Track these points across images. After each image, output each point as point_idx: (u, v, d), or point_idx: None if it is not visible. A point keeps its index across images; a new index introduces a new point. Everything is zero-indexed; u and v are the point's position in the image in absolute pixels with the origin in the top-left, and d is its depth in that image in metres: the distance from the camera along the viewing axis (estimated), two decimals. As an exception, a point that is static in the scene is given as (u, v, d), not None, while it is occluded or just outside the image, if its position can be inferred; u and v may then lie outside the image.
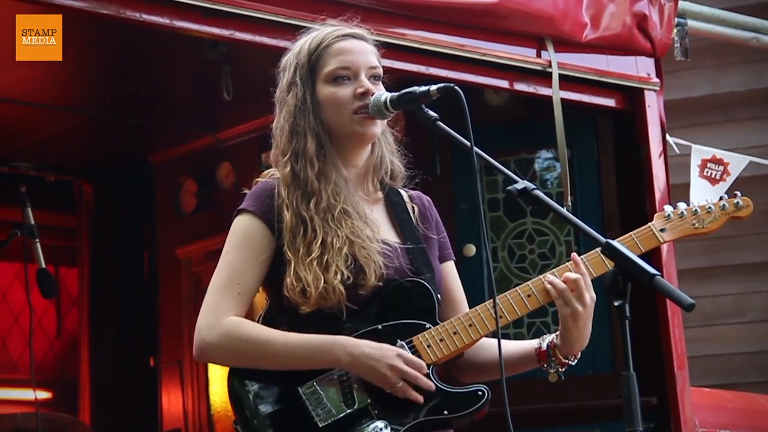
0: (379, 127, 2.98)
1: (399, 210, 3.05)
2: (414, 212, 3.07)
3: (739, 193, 3.18)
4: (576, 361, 2.96)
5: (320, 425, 2.79)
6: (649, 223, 3.06)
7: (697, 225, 3.09)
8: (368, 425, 2.80)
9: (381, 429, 2.80)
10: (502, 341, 2.90)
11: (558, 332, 2.93)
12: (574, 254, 2.94)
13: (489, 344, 3.00)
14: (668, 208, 3.09)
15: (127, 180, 7.23)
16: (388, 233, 3.00)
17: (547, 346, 2.96)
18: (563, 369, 2.97)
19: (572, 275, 2.89)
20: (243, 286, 2.88)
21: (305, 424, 2.80)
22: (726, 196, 3.17)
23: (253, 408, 2.82)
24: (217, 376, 6.63)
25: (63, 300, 7.53)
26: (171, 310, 6.96)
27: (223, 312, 2.85)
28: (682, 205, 3.11)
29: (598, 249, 2.85)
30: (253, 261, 2.89)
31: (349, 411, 2.81)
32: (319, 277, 2.82)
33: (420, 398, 2.81)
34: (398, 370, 2.79)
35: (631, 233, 3.03)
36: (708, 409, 5.50)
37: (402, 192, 3.09)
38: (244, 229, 2.92)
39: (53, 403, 7.26)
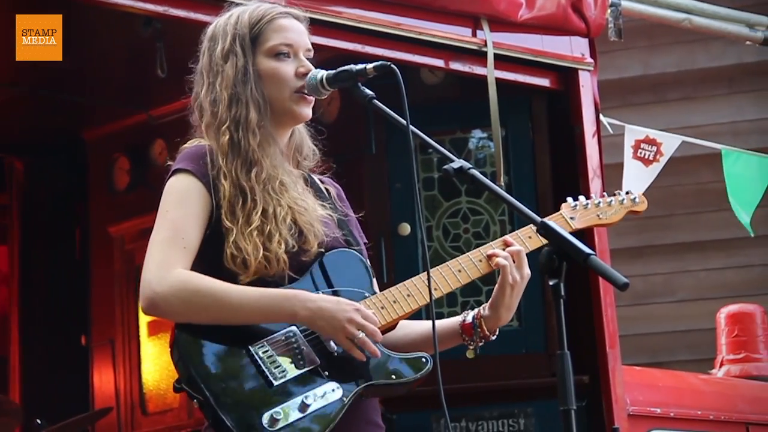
0: (311, 108, 3.00)
1: (317, 189, 3.07)
2: (330, 194, 3.10)
3: (633, 190, 3.31)
4: (495, 336, 3.01)
5: (274, 384, 2.76)
6: (560, 211, 3.16)
7: (600, 216, 3.22)
8: (319, 386, 2.79)
9: (332, 391, 2.79)
10: (424, 322, 2.99)
11: (485, 305, 3.00)
12: (506, 237, 3.02)
13: (409, 325, 3.03)
14: (571, 200, 3.21)
15: (59, 157, 7.15)
16: (317, 206, 3.00)
17: (473, 318, 3.01)
18: (482, 344, 3.01)
19: (516, 247, 2.97)
20: (187, 242, 2.83)
21: (257, 383, 2.77)
22: (621, 193, 3.30)
23: (201, 366, 2.76)
24: (150, 355, 6.59)
25: (-7, 278, 7.45)
26: (103, 289, 6.90)
27: (171, 264, 2.79)
28: (583, 198, 3.23)
29: (531, 225, 2.90)
30: (194, 218, 2.85)
31: (299, 372, 2.79)
32: (258, 248, 2.81)
33: (378, 352, 2.82)
34: (357, 324, 2.79)
35: (544, 218, 3.09)
36: (639, 387, 5.55)
37: (314, 177, 3.11)
38: (182, 187, 2.89)
39: (-17, 382, 7.18)
